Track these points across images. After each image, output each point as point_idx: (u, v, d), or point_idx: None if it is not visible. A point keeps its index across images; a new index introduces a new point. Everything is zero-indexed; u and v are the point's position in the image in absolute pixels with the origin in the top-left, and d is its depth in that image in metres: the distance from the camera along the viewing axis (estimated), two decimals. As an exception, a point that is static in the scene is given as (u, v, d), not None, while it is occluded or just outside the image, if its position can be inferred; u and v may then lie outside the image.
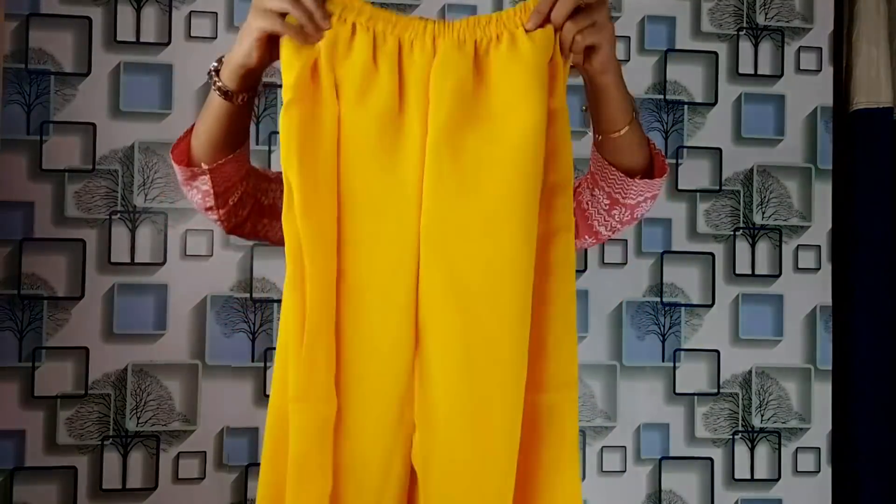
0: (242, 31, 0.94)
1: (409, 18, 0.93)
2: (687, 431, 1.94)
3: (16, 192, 1.74)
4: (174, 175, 1.12)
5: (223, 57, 1.00)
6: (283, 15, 0.91)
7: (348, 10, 0.91)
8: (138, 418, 1.77)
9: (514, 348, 0.93)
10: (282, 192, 0.95)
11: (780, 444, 1.96)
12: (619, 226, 1.16)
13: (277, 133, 1.87)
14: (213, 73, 1.00)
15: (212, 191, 1.08)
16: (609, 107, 1.02)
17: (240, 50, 0.95)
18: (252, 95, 1.02)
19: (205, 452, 1.78)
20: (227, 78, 0.98)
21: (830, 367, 1.98)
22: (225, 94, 0.99)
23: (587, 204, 1.15)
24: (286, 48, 0.91)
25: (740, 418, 1.96)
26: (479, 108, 0.91)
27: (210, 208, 1.11)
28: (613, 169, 1.07)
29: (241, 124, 1.06)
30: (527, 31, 0.91)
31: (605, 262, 1.92)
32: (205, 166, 1.06)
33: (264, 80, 1.81)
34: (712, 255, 1.96)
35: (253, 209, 1.17)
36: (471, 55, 0.91)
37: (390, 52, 0.91)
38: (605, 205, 1.13)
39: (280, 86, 1.90)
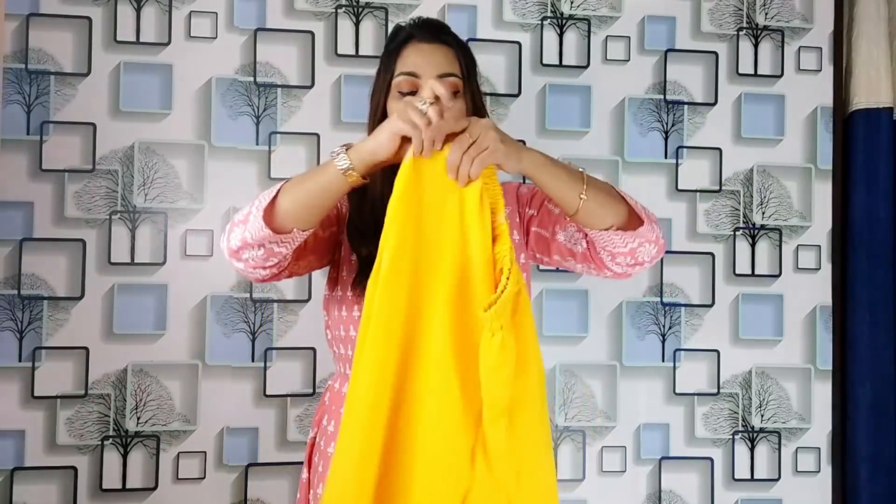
0: (381, 128, 1.07)
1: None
2: (687, 431, 1.94)
3: (16, 192, 1.74)
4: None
5: (348, 144, 1.10)
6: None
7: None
8: (138, 418, 1.77)
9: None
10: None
11: (780, 444, 1.96)
12: (629, 269, 1.23)
13: (277, 133, 1.88)
14: (343, 151, 1.09)
15: (287, 254, 1.15)
16: (550, 189, 1.13)
17: (376, 141, 1.07)
18: (362, 185, 1.12)
19: (205, 452, 1.78)
20: (357, 159, 1.08)
21: (830, 367, 1.98)
22: (346, 172, 1.08)
23: (592, 254, 1.23)
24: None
25: (740, 418, 1.96)
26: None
27: (269, 267, 1.16)
28: (593, 230, 1.17)
29: (337, 202, 1.15)
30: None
31: (605, 262, 1.92)
32: (298, 231, 1.12)
33: (265, 80, 1.81)
34: (712, 255, 1.96)
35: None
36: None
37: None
38: (607, 257, 1.21)
39: (280, 86, 1.91)
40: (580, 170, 1.14)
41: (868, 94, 1.99)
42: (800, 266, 1.99)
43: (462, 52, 1.30)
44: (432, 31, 1.30)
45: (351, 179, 1.08)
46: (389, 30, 1.79)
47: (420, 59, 1.26)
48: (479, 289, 1.05)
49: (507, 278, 1.04)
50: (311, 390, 1.81)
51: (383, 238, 1.05)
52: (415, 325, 1.06)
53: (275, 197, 1.11)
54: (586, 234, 1.22)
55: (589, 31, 1.94)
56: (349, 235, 1.28)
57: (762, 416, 1.96)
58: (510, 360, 1.04)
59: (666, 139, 1.96)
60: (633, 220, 1.17)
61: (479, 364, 1.04)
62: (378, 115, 1.28)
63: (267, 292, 1.81)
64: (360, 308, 1.22)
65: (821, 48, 2.01)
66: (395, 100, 1.26)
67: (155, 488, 1.77)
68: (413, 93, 1.24)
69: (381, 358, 1.05)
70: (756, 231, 1.98)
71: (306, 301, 1.81)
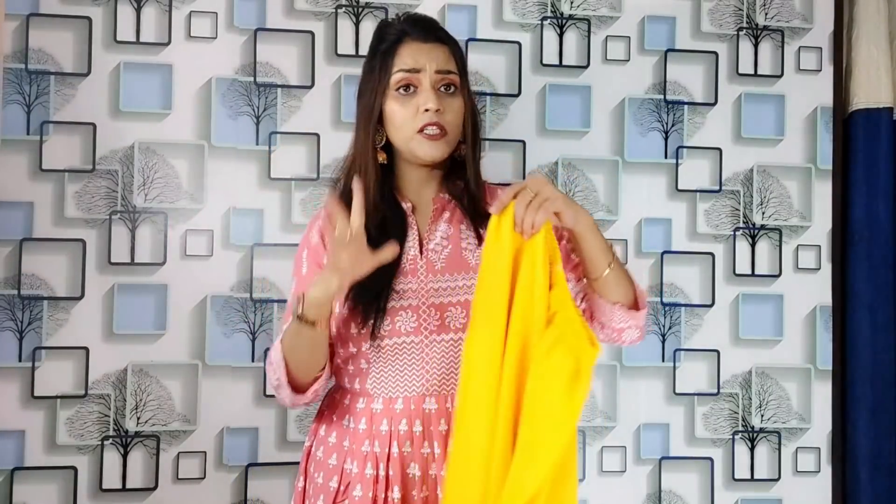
0: (331, 274, 1.15)
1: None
2: (687, 431, 1.94)
3: (16, 192, 1.74)
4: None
5: (301, 299, 1.18)
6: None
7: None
8: (138, 418, 1.77)
9: None
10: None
11: (780, 444, 1.96)
12: (608, 342, 1.33)
13: (277, 133, 1.88)
14: (303, 316, 1.17)
15: (329, 374, 1.28)
16: (588, 250, 1.22)
17: (328, 291, 1.16)
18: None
19: (205, 452, 1.78)
20: (317, 315, 1.17)
21: (830, 367, 1.98)
22: (313, 324, 1.18)
23: (585, 316, 1.30)
24: (494, 223, 1.16)
25: (740, 418, 1.96)
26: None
27: (318, 398, 1.30)
28: (602, 299, 1.26)
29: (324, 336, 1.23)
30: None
31: (605, 262, 1.92)
32: (316, 381, 1.26)
33: (265, 80, 1.81)
34: (712, 255, 1.96)
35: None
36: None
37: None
38: (597, 326, 1.30)
39: (280, 86, 1.91)
40: (610, 243, 1.26)
41: (868, 94, 1.99)
42: (800, 266, 1.99)
43: (455, 49, 1.30)
44: (426, 28, 1.29)
45: (321, 324, 1.18)
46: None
47: (420, 55, 1.25)
48: (535, 328, 1.14)
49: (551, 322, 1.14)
50: (311, 390, 1.81)
51: (477, 287, 1.17)
52: (501, 359, 1.15)
53: (289, 376, 1.22)
54: (584, 297, 1.30)
55: (589, 31, 1.94)
56: None
57: (762, 416, 1.96)
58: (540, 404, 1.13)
59: (666, 139, 1.96)
60: (634, 304, 1.28)
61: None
62: (375, 116, 1.26)
63: (267, 292, 1.81)
64: (356, 325, 1.24)
65: (821, 48, 2.01)
66: (394, 99, 1.25)
67: (155, 488, 1.77)
68: (409, 86, 1.24)
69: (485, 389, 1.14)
70: (756, 231, 1.98)
71: (306, 301, 1.81)
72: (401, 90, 1.25)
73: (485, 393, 1.13)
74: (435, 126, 1.23)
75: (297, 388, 1.24)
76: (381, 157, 1.28)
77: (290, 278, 1.35)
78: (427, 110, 1.23)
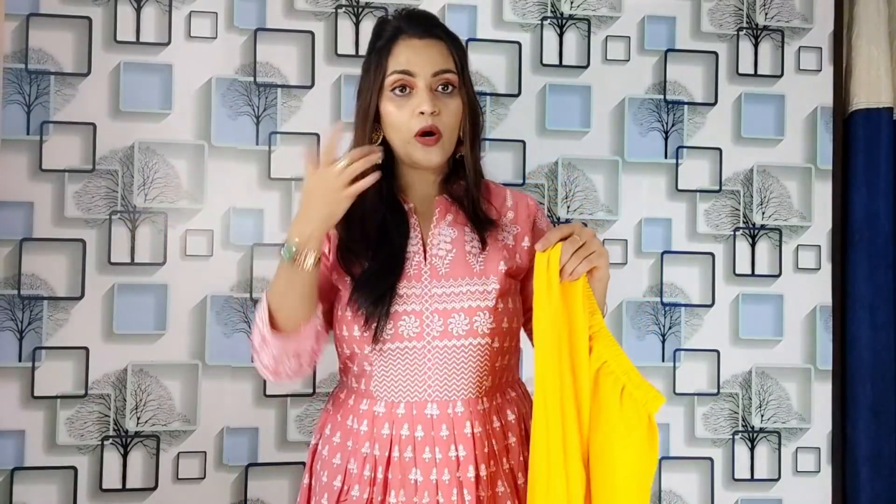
0: (328, 198, 1.15)
1: None
2: (687, 431, 1.94)
3: (16, 192, 1.74)
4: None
5: (290, 243, 1.17)
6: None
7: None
8: (138, 418, 1.77)
9: None
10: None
11: (780, 444, 1.96)
12: None
13: (277, 133, 1.88)
14: (298, 254, 1.16)
15: (312, 345, 1.24)
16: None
17: (326, 213, 1.16)
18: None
19: (205, 452, 1.78)
20: (309, 244, 1.17)
21: (830, 367, 1.98)
22: (305, 263, 1.17)
23: None
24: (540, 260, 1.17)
25: (740, 418, 1.96)
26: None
27: (305, 364, 1.25)
28: None
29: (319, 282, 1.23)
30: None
31: (605, 262, 1.92)
32: (304, 325, 1.22)
33: (265, 80, 1.81)
34: (712, 255, 1.96)
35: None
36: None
37: None
38: None
39: (280, 86, 1.91)
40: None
41: (868, 94, 1.99)
42: (800, 266, 1.99)
43: (454, 45, 1.26)
44: (422, 24, 1.25)
45: (311, 265, 1.17)
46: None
47: (414, 56, 1.22)
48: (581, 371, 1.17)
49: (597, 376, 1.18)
50: (311, 390, 1.81)
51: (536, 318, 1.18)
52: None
53: (270, 316, 1.19)
54: None
55: (589, 31, 1.94)
56: (341, 258, 1.26)
57: (762, 416, 1.96)
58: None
59: (666, 139, 1.96)
60: None
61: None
62: (371, 115, 1.24)
63: (267, 292, 1.80)
64: (359, 327, 1.23)
65: (821, 48, 2.01)
66: (389, 100, 1.23)
67: (155, 488, 1.77)
68: (404, 87, 1.22)
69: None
70: (756, 231, 1.98)
71: (306, 301, 1.81)
72: (396, 91, 1.22)
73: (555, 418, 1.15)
74: (429, 131, 1.21)
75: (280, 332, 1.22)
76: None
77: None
78: (422, 113, 1.21)
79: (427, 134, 1.21)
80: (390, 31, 1.25)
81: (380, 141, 1.26)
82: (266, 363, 1.22)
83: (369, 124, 1.25)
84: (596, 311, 1.18)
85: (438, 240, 1.27)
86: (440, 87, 1.23)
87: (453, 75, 1.24)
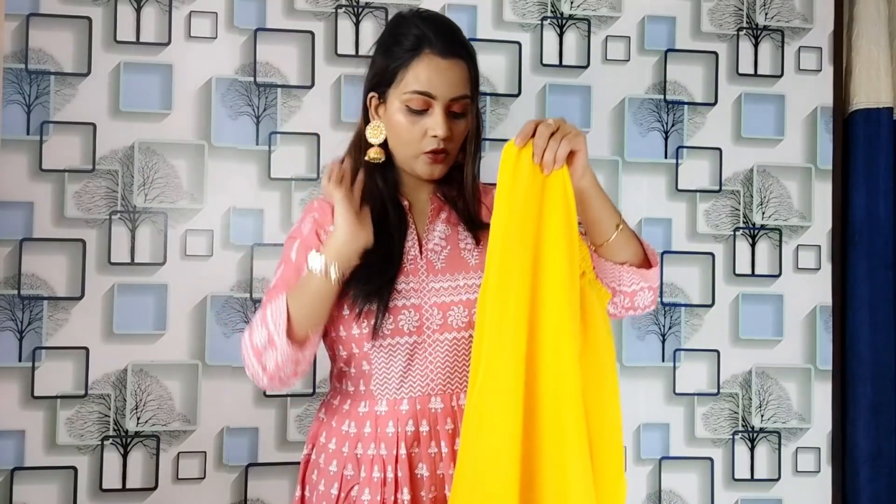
0: (354, 224, 1.19)
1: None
2: (687, 431, 1.94)
3: (16, 192, 1.74)
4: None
5: (321, 256, 1.18)
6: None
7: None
8: (138, 418, 1.77)
9: None
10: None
11: (780, 444, 1.96)
12: (623, 312, 1.28)
13: (277, 133, 1.88)
14: (329, 268, 1.17)
15: (311, 357, 1.24)
16: (594, 211, 1.21)
17: (357, 238, 1.19)
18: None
19: (205, 452, 1.78)
20: (341, 261, 1.19)
21: (830, 367, 1.98)
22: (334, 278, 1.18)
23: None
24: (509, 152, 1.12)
25: (740, 418, 1.96)
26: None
27: (301, 372, 1.23)
28: (608, 262, 1.24)
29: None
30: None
31: (605, 262, 1.92)
32: (313, 334, 1.22)
33: (265, 80, 1.81)
34: (712, 255, 1.96)
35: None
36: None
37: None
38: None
39: (280, 86, 1.91)
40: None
41: (868, 94, 1.99)
42: (800, 266, 1.99)
43: (472, 63, 1.26)
44: (448, 39, 1.23)
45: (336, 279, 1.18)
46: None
47: (436, 78, 1.21)
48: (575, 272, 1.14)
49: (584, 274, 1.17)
50: (311, 390, 1.81)
51: (490, 240, 1.13)
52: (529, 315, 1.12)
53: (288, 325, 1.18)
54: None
55: (589, 31, 1.94)
56: None
57: (762, 416, 1.96)
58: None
59: (666, 139, 1.96)
60: (644, 262, 1.25)
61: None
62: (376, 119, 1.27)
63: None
64: (357, 324, 1.23)
65: (821, 48, 2.01)
66: (402, 113, 1.22)
67: (155, 488, 1.77)
68: (424, 111, 1.22)
69: (509, 362, 1.12)
70: (756, 231, 1.98)
71: (306, 301, 1.81)
72: (412, 106, 1.22)
73: (513, 357, 1.11)
74: (441, 153, 1.23)
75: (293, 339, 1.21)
76: (378, 153, 1.26)
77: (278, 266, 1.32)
78: (435, 136, 1.22)
79: (436, 152, 1.23)
80: (413, 40, 1.22)
81: (381, 141, 1.27)
82: (268, 366, 1.20)
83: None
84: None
85: (433, 236, 1.29)
86: (454, 110, 1.23)
87: (468, 100, 1.24)
